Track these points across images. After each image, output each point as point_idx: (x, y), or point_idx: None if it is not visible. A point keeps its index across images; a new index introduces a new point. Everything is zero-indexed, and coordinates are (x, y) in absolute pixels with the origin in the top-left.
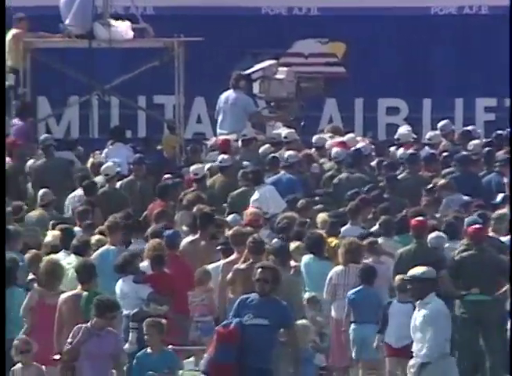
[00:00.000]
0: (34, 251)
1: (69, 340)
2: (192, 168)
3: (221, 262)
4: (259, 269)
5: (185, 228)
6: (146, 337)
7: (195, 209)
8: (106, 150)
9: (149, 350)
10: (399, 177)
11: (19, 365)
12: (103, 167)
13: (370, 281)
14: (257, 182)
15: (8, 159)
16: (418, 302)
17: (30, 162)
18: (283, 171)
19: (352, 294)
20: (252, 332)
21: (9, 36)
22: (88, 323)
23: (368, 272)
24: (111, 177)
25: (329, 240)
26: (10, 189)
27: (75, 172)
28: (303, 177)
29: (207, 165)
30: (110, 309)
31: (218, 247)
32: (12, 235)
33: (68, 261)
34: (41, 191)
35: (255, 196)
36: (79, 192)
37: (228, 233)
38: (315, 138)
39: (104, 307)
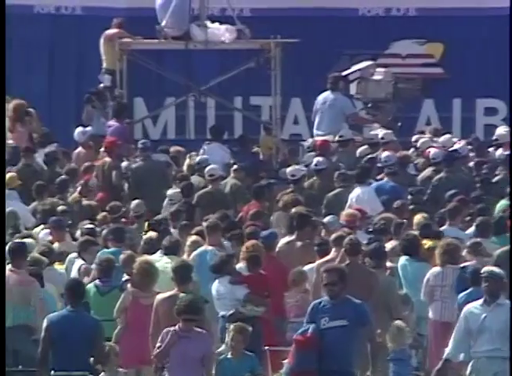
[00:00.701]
0: (128, 251)
1: (158, 344)
2: (289, 169)
3: (317, 263)
4: (324, 274)
5: (281, 229)
6: (231, 342)
7: (292, 210)
8: (202, 150)
9: (229, 355)
10: (496, 178)
11: (104, 373)
12: (208, 168)
13: (481, 283)
14: (360, 181)
15: (107, 159)
16: (482, 302)
17: (127, 163)
18: (386, 178)
19: (462, 296)
20: (331, 335)
21: (102, 37)
22: (177, 326)
23: (478, 274)
24: (215, 178)
25: (424, 241)
26: (108, 189)
27: (172, 174)
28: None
29: (303, 166)
30: (185, 312)
31: (315, 248)
32: (116, 234)
33: (165, 261)
34: (134, 202)
35: (353, 194)
36: (175, 192)
37: (325, 234)
38: (414, 137)
39: (180, 310)
